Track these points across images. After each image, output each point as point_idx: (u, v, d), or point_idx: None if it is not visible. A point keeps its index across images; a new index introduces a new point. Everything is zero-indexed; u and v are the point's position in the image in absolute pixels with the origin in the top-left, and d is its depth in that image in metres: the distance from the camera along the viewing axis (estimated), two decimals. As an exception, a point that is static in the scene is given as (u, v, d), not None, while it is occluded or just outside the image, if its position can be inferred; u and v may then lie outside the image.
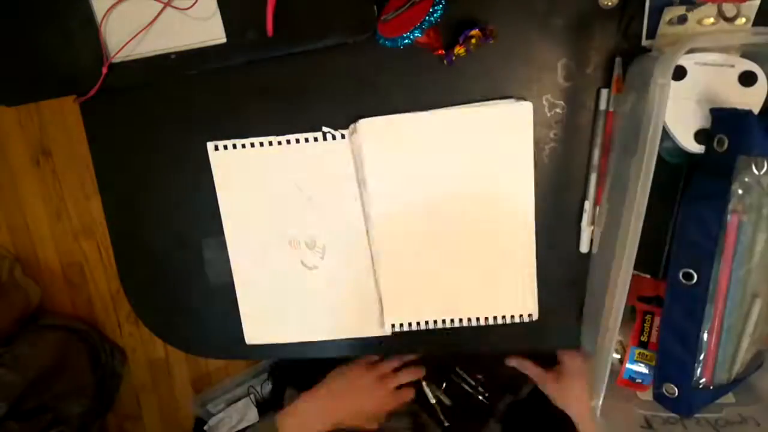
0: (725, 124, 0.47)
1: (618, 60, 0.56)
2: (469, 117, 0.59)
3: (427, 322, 0.64)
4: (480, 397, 0.84)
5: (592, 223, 0.60)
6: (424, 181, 0.61)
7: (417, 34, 0.50)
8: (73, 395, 1.48)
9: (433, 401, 0.78)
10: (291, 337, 0.67)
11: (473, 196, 0.61)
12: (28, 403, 1.38)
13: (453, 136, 0.59)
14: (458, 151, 0.59)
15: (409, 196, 0.61)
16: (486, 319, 0.63)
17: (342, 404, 0.72)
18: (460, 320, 0.63)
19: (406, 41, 0.52)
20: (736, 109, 0.48)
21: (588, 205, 0.60)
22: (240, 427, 1.45)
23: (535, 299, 0.62)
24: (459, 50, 0.54)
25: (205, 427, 1.51)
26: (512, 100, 0.58)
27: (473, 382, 0.83)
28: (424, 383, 0.81)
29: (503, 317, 0.63)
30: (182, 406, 1.68)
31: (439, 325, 0.64)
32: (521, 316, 0.63)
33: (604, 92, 0.57)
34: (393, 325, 0.64)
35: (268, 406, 1.44)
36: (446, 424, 0.81)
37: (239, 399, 1.50)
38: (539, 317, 0.63)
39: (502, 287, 0.62)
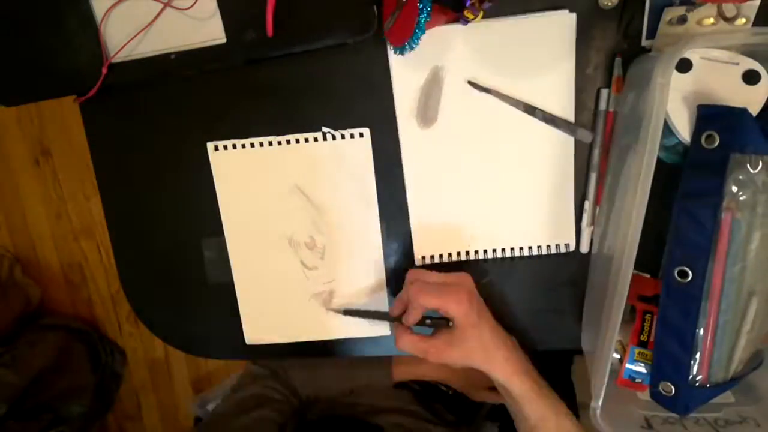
0: (716, 122, 0.47)
1: (618, 60, 0.56)
2: (509, 28, 0.56)
3: (459, 253, 0.62)
4: None
5: (592, 223, 0.60)
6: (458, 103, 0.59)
7: (420, 33, 0.50)
8: (73, 395, 1.49)
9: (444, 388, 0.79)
10: (291, 337, 0.67)
11: (514, 117, 0.59)
12: (28, 403, 1.39)
13: (493, 50, 0.57)
14: (498, 65, 0.57)
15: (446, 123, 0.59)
16: (521, 249, 0.62)
17: None
18: (494, 250, 0.62)
19: (414, 45, 0.51)
20: (728, 107, 0.48)
21: (588, 205, 0.60)
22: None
23: (573, 230, 0.61)
24: (468, 14, 0.53)
25: (205, 427, 1.51)
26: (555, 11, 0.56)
27: None
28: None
29: (539, 247, 0.62)
30: (182, 406, 1.68)
31: (472, 257, 0.62)
32: (558, 245, 0.61)
33: (604, 92, 0.57)
34: (423, 257, 0.63)
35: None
36: (450, 392, 0.81)
37: (239, 399, 1.50)
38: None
39: (540, 215, 0.61)
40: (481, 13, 0.54)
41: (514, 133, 0.59)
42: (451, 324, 0.56)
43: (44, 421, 1.41)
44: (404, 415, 0.77)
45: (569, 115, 0.58)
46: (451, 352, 0.55)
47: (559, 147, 0.59)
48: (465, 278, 0.57)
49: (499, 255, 0.62)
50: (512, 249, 0.62)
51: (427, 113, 0.59)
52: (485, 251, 0.62)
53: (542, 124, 0.58)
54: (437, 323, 0.57)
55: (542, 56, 0.57)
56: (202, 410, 1.53)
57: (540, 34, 0.56)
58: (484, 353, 0.55)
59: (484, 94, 0.58)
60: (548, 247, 0.62)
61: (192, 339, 0.70)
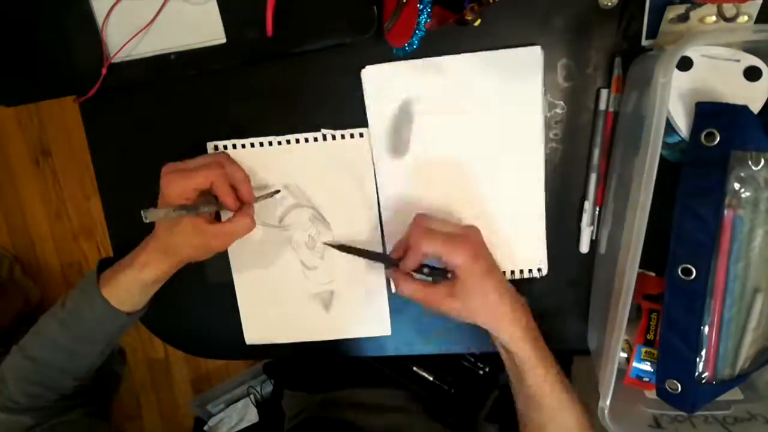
0: (716, 119, 0.47)
1: (618, 60, 0.56)
2: (479, 62, 0.57)
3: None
4: (480, 372, 0.83)
5: (592, 223, 0.60)
6: (431, 134, 0.60)
7: (420, 33, 0.50)
8: (73, 395, 1.48)
9: (431, 378, 0.77)
10: (291, 337, 0.67)
11: (483, 147, 0.59)
12: (28, 403, 1.38)
13: (463, 83, 0.58)
14: (468, 98, 0.58)
15: (417, 147, 0.60)
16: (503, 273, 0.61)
17: None
18: None
19: (415, 46, 0.51)
20: (729, 104, 0.48)
21: (588, 205, 0.60)
22: (240, 427, 1.45)
23: (544, 254, 0.61)
24: (468, 16, 0.53)
25: (205, 428, 1.51)
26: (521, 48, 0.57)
27: (471, 358, 0.83)
28: (414, 368, 0.81)
29: (512, 272, 0.62)
30: (182, 406, 1.68)
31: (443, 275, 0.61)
32: (530, 270, 0.62)
33: (604, 92, 0.57)
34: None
35: (268, 407, 1.44)
36: (452, 390, 0.80)
37: (239, 399, 1.50)
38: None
39: (510, 241, 0.61)
40: (479, 20, 0.54)
41: (483, 163, 0.60)
42: (450, 276, 0.54)
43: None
44: (403, 415, 0.77)
45: (538, 148, 0.59)
46: (451, 303, 0.53)
47: (528, 174, 0.60)
48: (474, 231, 0.54)
49: None
50: None
51: (398, 145, 0.60)
52: None
53: (509, 154, 0.60)
54: (436, 273, 0.55)
55: (511, 89, 0.58)
56: (202, 410, 1.53)
57: (509, 67, 0.58)
58: (488, 312, 0.53)
59: (455, 128, 0.60)
60: (521, 271, 0.62)
61: (192, 339, 0.70)
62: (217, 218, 0.61)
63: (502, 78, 0.58)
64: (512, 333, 0.53)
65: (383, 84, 0.59)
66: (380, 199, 0.62)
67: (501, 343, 0.55)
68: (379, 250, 0.63)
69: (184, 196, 0.53)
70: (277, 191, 0.62)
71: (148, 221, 0.51)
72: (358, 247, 0.62)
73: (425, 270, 0.56)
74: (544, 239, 0.61)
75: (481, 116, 0.59)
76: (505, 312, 0.53)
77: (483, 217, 0.61)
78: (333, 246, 0.62)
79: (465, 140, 0.60)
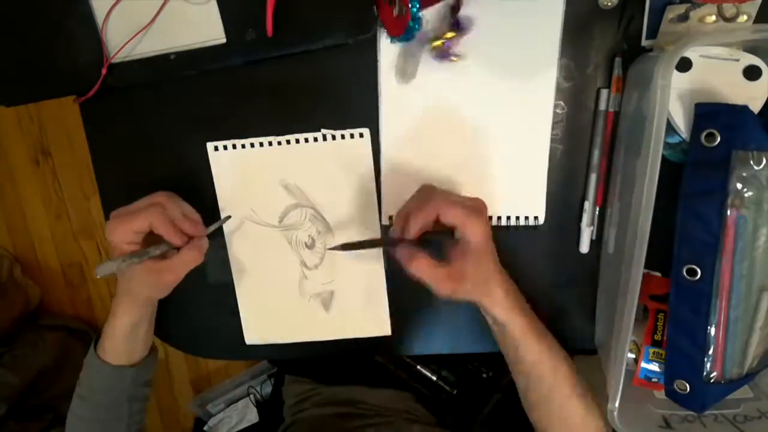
0: (716, 119, 0.47)
1: (618, 60, 0.56)
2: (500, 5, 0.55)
3: None
4: (483, 375, 0.83)
5: (592, 223, 0.60)
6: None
7: (418, 25, 0.50)
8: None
9: (434, 378, 0.77)
10: (291, 337, 0.67)
11: (495, 91, 0.58)
12: (28, 403, 1.39)
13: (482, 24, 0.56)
14: (485, 38, 0.57)
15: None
16: (490, 218, 0.61)
17: None
18: None
19: (416, 31, 0.51)
20: (729, 104, 0.48)
21: (588, 205, 0.60)
22: (240, 428, 1.45)
23: (543, 203, 0.61)
24: None
25: (205, 428, 1.51)
26: None
27: (475, 362, 0.83)
28: (418, 366, 0.81)
29: (507, 218, 0.61)
30: (182, 406, 1.68)
31: None
32: (527, 218, 0.61)
33: (604, 92, 0.57)
34: (390, 217, 0.62)
35: (268, 407, 1.44)
36: (454, 392, 0.80)
37: (239, 399, 1.50)
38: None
39: (509, 189, 0.60)
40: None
41: (491, 102, 0.58)
42: (452, 238, 0.52)
43: (44, 421, 1.40)
44: (405, 418, 0.77)
45: (548, 98, 0.58)
46: (459, 284, 0.52)
47: (537, 118, 0.59)
48: (483, 205, 0.54)
49: None
50: (490, 218, 0.61)
51: (406, 69, 0.58)
52: None
53: (518, 96, 0.58)
54: (438, 237, 0.53)
55: (528, 35, 0.56)
56: (202, 410, 1.53)
57: (528, 12, 0.56)
58: (485, 286, 0.53)
59: (464, 65, 0.58)
60: (517, 218, 0.61)
61: (192, 339, 0.70)
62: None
63: (520, 23, 0.56)
64: (505, 306, 0.53)
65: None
66: (381, 131, 0.60)
67: (495, 320, 0.55)
68: (379, 251, 0.63)
69: (126, 240, 0.54)
70: (228, 217, 0.62)
71: (99, 277, 0.52)
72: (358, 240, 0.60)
73: (427, 248, 0.53)
74: (545, 190, 0.60)
75: (495, 59, 0.57)
76: (500, 287, 0.53)
77: (483, 158, 0.60)
78: (336, 249, 0.61)
79: (473, 75, 0.58)
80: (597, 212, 0.60)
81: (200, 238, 0.57)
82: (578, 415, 0.55)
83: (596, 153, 0.58)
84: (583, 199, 0.60)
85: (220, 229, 0.64)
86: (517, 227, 0.62)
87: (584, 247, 0.61)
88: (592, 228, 0.60)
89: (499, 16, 0.56)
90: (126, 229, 0.53)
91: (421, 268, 0.51)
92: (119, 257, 0.53)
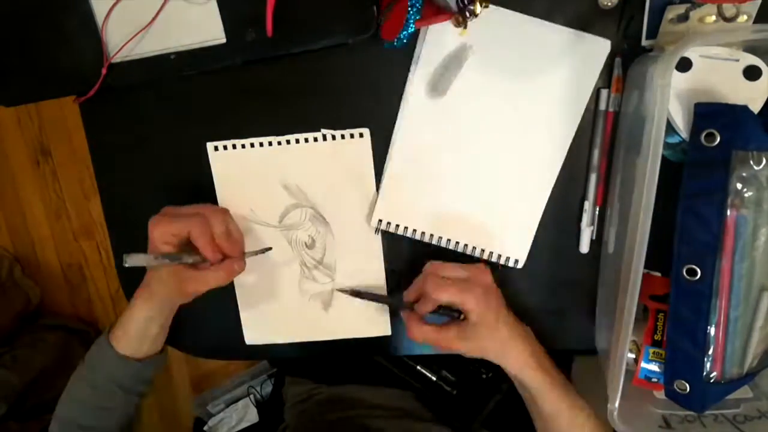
0: (715, 119, 0.47)
1: (618, 60, 0.56)
2: (545, 32, 0.56)
3: (415, 231, 0.62)
4: (483, 376, 0.83)
5: (592, 223, 0.60)
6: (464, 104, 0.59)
7: (410, 29, 0.50)
8: (73, 395, 1.48)
9: (434, 378, 0.77)
10: (290, 337, 0.67)
11: (515, 120, 0.59)
12: (28, 403, 1.38)
13: (522, 47, 0.57)
14: (520, 65, 0.58)
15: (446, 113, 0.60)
16: (474, 249, 0.62)
17: None
18: (449, 241, 0.62)
19: (404, 42, 0.51)
20: (728, 104, 0.48)
21: (588, 205, 0.60)
22: (240, 428, 1.45)
23: (527, 249, 0.61)
24: (457, 20, 0.53)
25: (205, 428, 1.51)
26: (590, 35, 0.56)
27: (476, 363, 0.83)
28: (418, 366, 0.81)
29: (491, 253, 0.62)
30: (182, 406, 1.68)
31: (426, 239, 0.62)
32: (508, 258, 0.62)
33: (604, 92, 0.57)
34: (380, 221, 0.62)
35: (268, 407, 1.44)
36: (454, 392, 0.80)
37: (239, 399, 1.50)
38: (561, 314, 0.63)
39: (501, 226, 0.61)
40: (464, 31, 0.54)
41: (508, 136, 0.59)
42: (462, 318, 0.55)
43: (44, 421, 1.40)
44: (405, 416, 0.77)
45: (563, 145, 0.59)
46: (463, 344, 0.55)
47: (545, 169, 0.60)
48: (484, 273, 0.56)
49: (459, 249, 0.62)
50: (465, 246, 0.62)
51: (439, 84, 0.58)
52: (448, 240, 0.62)
53: (539, 140, 0.59)
54: (449, 314, 0.56)
55: (565, 73, 0.57)
56: (202, 410, 1.53)
57: (573, 50, 0.56)
58: (499, 349, 0.55)
59: (495, 94, 0.58)
60: (499, 256, 0.62)
61: (192, 339, 0.70)
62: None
63: (561, 57, 0.57)
64: (519, 363, 0.55)
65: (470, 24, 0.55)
66: (394, 138, 0.60)
67: (511, 375, 0.57)
68: (379, 251, 0.63)
69: (163, 240, 0.54)
70: (269, 248, 0.63)
71: (126, 266, 0.52)
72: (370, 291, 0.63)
73: (440, 311, 0.56)
74: (533, 234, 0.61)
75: (525, 87, 0.58)
76: (514, 346, 0.55)
77: (486, 189, 0.61)
78: (345, 292, 0.63)
79: (500, 106, 0.58)
80: (597, 212, 0.60)
81: (233, 260, 0.57)
82: None
83: (596, 153, 0.58)
84: (583, 199, 0.60)
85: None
86: (497, 266, 0.62)
87: (584, 247, 0.61)
88: (592, 228, 0.60)
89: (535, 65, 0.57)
90: (165, 229, 0.54)
91: (417, 332, 0.55)
92: (152, 254, 0.54)
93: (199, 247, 0.55)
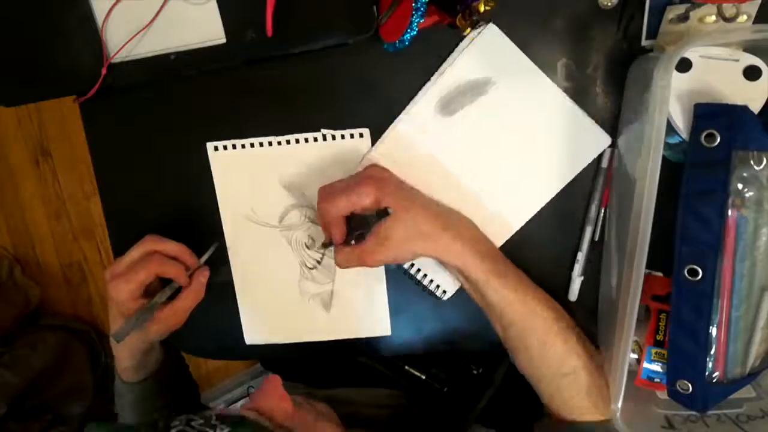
0: (715, 120, 0.47)
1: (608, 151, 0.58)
2: (559, 101, 0.58)
3: None
4: (474, 371, 0.83)
5: (583, 273, 0.61)
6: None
7: (414, 31, 0.50)
8: (73, 395, 1.48)
9: (423, 377, 0.76)
10: (290, 337, 0.67)
11: (497, 164, 0.60)
12: (28, 403, 1.39)
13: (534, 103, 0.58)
14: (533, 118, 0.58)
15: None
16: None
17: None
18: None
19: (406, 43, 0.51)
20: (728, 105, 0.48)
21: (581, 256, 0.60)
22: (240, 428, 1.45)
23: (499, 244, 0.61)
24: (460, 22, 0.53)
25: (205, 428, 1.51)
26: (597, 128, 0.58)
27: (464, 359, 0.83)
28: (406, 366, 0.81)
29: None
30: (182, 407, 1.68)
31: None
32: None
33: (608, 151, 0.58)
34: None
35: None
36: (444, 389, 0.80)
37: (239, 399, 1.50)
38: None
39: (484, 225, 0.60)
40: (468, 29, 0.54)
41: (492, 173, 0.60)
42: (376, 219, 0.52)
43: (44, 421, 1.40)
44: (396, 417, 0.77)
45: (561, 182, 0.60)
46: (386, 250, 0.51)
47: (529, 201, 0.61)
48: (371, 169, 0.53)
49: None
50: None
51: (450, 105, 0.58)
52: None
53: (522, 185, 0.60)
54: (365, 223, 0.53)
55: (563, 147, 0.59)
56: (202, 410, 1.53)
57: (576, 131, 0.58)
58: (423, 239, 0.51)
59: (495, 133, 0.59)
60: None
61: (192, 339, 0.70)
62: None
63: (564, 131, 0.58)
64: (455, 251, 0.51)
65: (490, 48, 0.57)
66: (386, 135, 0.60)
67: (454, 269, 0.54)
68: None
69: (134, 297, 0.55)
70: (217, 244, 0.63)
71: (119, 342, 0.56)
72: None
73: (356, 233, 0.53)
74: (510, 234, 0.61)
75: (522, 139, 0.59)
76: (443, 233, 0.51)
77: (464, 207, 0.60)
78: (326, 245, 0.62)
79: (494, 143, 0.59)
80: (602, 213, 0.60)
81: (198, 273, 0.59)
82: (557, 353, 0.53)
83: (594, 207, 0.59)
84: (577, 249, 0.61)
85: (220, 229, 0.64)
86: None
87: (573, 296, 0.62)
88: (582, 278, 0.61)
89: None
90: (132, 287, 0.54)
91: (342, 260, 0.53)
92: (131, 317, 0.55)
93: (174, 278, 0.57)
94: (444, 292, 0.62)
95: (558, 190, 0.60)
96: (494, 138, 0.59)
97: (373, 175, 0.54)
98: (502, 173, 0.60)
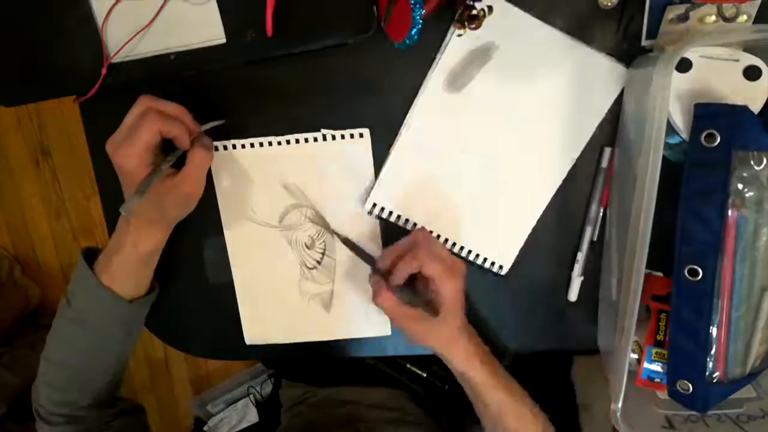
0: (715, 120, 0.47)
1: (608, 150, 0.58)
2: (567, 47, 0.57)
3: (407, 221, 0.62)
4: None
5: (583, 273, 0.61)
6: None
7: (419, 24, 0.50)
8: (73, 395, 1.48)
9: (424, 375, 0.76)
10: (290, 337, 0.67)
11: (525, 128, 0.59)
12: (28, 403, 1.38)
13: (543, 57, 0.57)
14: (540, 73, 0.58)
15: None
16: (462, 248, 0.62)
17: None
18: (438, 236, 0.62)
19: (416, 38, 0.51)
20: (728, 105, 0.48)
21: (581, 256, 0.60)
22: (240, 428, 1.45)
23: (513, 256, 0.62)
24: (457, 26, 0.54)
25: (205, 428, 1.51)
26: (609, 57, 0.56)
27: None
28: (408, 365, 0.81)
29: (477, 255, 0.62)
30: (182, 406, 1.68)
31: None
32: (493, 263, 0.62)
33: (607, 150, 0.58)
34: (374, 205, 0.61)
35: (268, 407, 1.44)
36: (446, 387, 0.80)
37: (239, 399, 1.50)
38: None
39: (492, 230, 0.62)
40: (465, 30, 0.54)
41: (512, 148, 0.60)
42: (425, 309, 0.54)
43: (44, 422, 1.40)
44: (397, 416, 0.77)
45: (568, 159, 0.59)
46: (418, 327, 0.54)
47: (549, 176, 0.60)
48: (462, 266, 0.55)
49: (449, 248, 0.62)
50: (453, 244, 0.62)
51: (458, 79, 0.58)
52: (438, 236, 0.62)
53: (542, 155, 0.59)
54: (417, 302, 0.54)
55: (583, 96, 0.58)
56: (202, 410, 1.53)
57: (591, 70, 0.57)
58: (449, 341, 0.55)
59: (508, 100, 0.58)
60: (485, 259, 0.62)
61: (192, 339, 0.70)
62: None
63: (580, 75, 0.57)
64: (464, 358, 0.55)
65: (501, 23, 0.56)
66: (406, 123, 0.60)
67: (456, 371, 0.57)
68: (379, 251, 0.63)
69: (145, 162, 0.51)
70: (223, 121, 0.60)
71: (129, 214, 0.50)
72: (359, 244, 0.61)
73: (406, 289, 0.55)
74: (522, 243, 0.61)
75: (540, 96, 0.58)
76: (463, 342, 0.56)
77: (484, 192, 0.61)
78: (339, 237, 0.62)
79: (510, 114, 0.59)
80: (602, 212, 0.60)
81: (200, 135, 0.55)
82: None
83: (594, 207, 0.59)
84: (576, 250, 0.61)
85: (220, 229, 0.64)
86: (481, 267, 0.63)
87: (573, 296, 0.62)
88: (581, 278, 0.61)
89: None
90: (139, 149, 0.51)
91: (385, 301, 0.54)
92: (140, 184, 0.50)
93: (178, 136, 0.52)
94: (500, 267, 0.62)
95: (588, 139, 0.58)
96: (512, 100, 0.58)
97: (462, 274, 0.54)
98: (526, 139, 0.59)
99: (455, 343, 0.55)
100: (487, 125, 0.59)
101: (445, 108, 0.59)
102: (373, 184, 0.62)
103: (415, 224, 0.62)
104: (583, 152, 0.59)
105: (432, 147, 0.60)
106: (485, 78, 0.58)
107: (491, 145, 0.60)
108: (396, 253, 0.55)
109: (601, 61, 0.56)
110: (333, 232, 0.63)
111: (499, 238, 0.62)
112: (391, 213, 0.62)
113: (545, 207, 0.61)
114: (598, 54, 0.56)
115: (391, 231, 0.63)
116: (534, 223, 0.61)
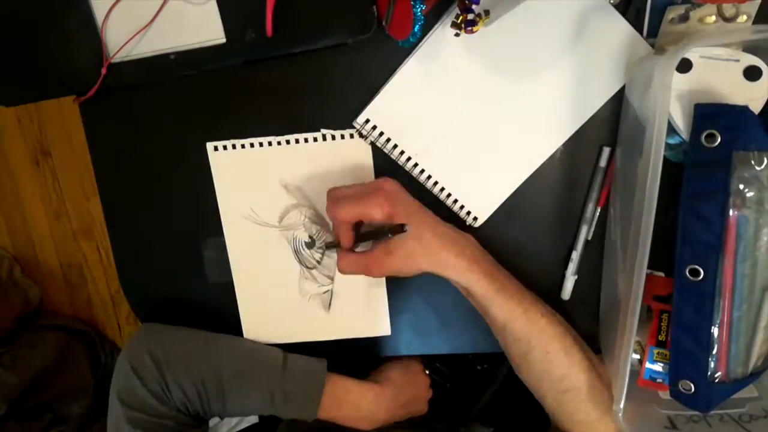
0: (716, 120, 0.47)
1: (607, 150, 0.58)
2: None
3: (395, 147, 0.60)
4: (478, 367, 0.83)
5: (577, 273, 0.61)
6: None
7: (421, 20, 0.50)
8: (73, 395, 1.48)
9: (427, 372, 0.76)
10: (291, 337, 0.67)
11: (519, 94, 0.58)
12: (28, 403, 1.39)
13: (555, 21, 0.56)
14: (549, 35, 0.56)
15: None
16: (442, 190, 0.61)
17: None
18: (422, 172, 0.60)
19: (419, 35, 0.51)
20: (729, 105, 0.48)
21: (575, 255, 0.60)
22: (240, 428, 1.45)
23: (490, 211, 0.61)
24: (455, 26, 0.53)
25: (205, 428, 1.50)
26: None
27: (470, 355, 0.83)
28: None
29: (455, 201, 0.61)
30: (182, 407, 1.68)
31: (401, 161, 0.60)
32: (468, 213, 0.61)
33: (606, 150, 0.58)
34: (367, 121, 0.59)
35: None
36: (447, 385, 0.80)
37: (239, 399, 1.50)
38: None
39: (477, 180, 0.60)
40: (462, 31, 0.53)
41: (514, 105, 0.59)
42: (390, 235, 0.52)
43: (44, 421, 1.40)
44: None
45: (572, 126, 0.59)
46: (392, 260, 0.51)
47: (545, 141, 0.59)
48: (384, 182, 0.53)
49: (430, 186, 0.61)
50: (435, 183, 0.61)
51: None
52: (422, 171, 0.60)
53: (543, 118, 0.58)
54: (376, 234, 0.53)
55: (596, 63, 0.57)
56: (202, 410, 1.52)
57: (609, 39, 0.56)
58: (429, 256, 0.52)
59: (526, 52, 0.57)
60: (461, 207, 0.61)
61: (192, 339, 0.70)
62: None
63: (597, 39, 0.56)
64: (459, 269, 0.52)
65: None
66: (407, 61, 0.58)
67: (458, 285, 0.54)
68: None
69: (352, 224, 0.53)
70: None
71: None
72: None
73: (365, 241, 0.54)
74: (502, 201, 0.61)
75: (553, 57, 0.57)
76: (448, 251, 0.52)
77: (479, 141, 0.60)
78: (330, 246, 0.62)
79: (523, 66, 0.57)
80: (598, 212, 0.60)
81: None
82: (561, 368, 0.54)
83: (590, 207, 0.59)
84: (571, 248, 0.61)
85: (219, 229, 0.64)
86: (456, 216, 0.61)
87: (566, 295, 0.62)
88: (575, 277, 0.61)
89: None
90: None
91: (345, 264, 0.53)
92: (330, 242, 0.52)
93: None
94: (475, 219, 0.61)
95: (595, 111, 0.58)
96: (525, 55, 0.57)
97: (387, 189, 0.52)
98: (530, 97, 0.58)
99: (438, 253, 0.52)
100: (495, 75, 0.58)
101: (458, 45, 0.57)
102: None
103: (402, 152, 0.60)
104: (583, 152, 0.59)
105: (437, 81, 0.58)
106: (503, 25, 0.55)
107: (495, 96, 0.58)
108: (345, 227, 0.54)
109: (623, 28, 0.55)
110: (327, 244, 0.63)
111: (480, 189, 0.61)
112: (381, 134, 0.60)
113: (533, 172, 0.60)
114: (622, 20, 0.55)
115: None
116: (519, 183, 0.60)
